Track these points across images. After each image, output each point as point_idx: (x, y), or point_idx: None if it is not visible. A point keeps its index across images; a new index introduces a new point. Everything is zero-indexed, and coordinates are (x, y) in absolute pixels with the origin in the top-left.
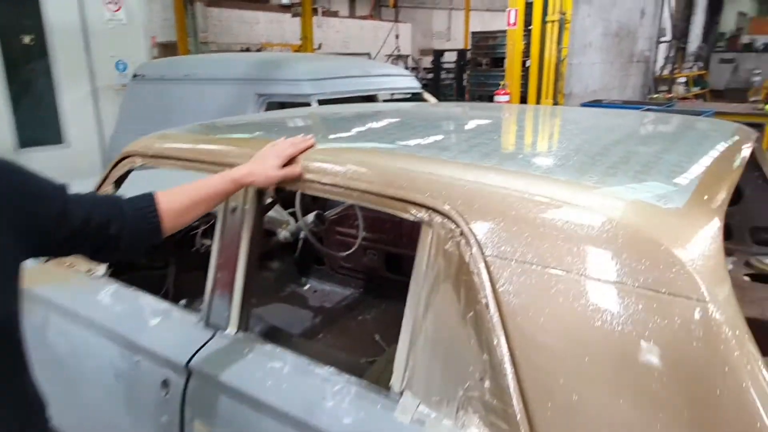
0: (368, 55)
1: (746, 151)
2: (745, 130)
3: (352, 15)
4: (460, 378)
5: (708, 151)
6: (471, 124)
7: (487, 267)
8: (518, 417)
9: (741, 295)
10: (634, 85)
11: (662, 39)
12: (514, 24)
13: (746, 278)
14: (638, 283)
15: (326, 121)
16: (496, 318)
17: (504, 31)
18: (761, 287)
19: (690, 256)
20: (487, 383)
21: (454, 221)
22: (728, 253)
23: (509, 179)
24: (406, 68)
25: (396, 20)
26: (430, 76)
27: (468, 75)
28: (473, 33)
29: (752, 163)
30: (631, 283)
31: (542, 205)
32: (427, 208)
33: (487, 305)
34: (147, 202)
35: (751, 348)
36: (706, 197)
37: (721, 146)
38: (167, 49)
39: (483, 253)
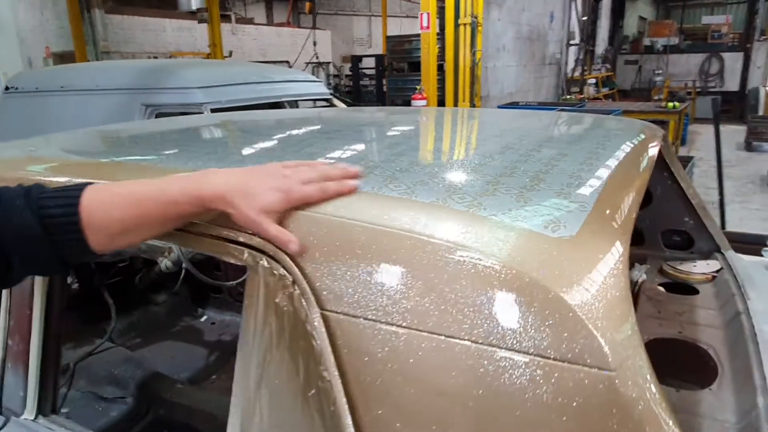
0: (287, 63)
1: (653, 151)
2: (652, 127)
3: (269, 22)
4: None
5: (611, 154)
6: (330, 131)
7: (329, 328)
8: None
9: (657, 311)
10: (548, 86)
11: (571, 42)
12: (427, 27)
13: (661, 288)
14: (522, 346)
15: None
16: (341, 398)
17: (419, 35)
18: (677, 300)
19: (585, 304)
20: None
21: (283, 265)
22: (641, 259)
23: (357, 203)
24: (328, 75)
25: (314, 27)
26: (352, 82)
27: (386, 80)
28: (389, 37)
29: (660, 162)
30: (518, 346)
31: (396, 240)
32: (250, 247)
33: (330, 381)
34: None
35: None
36: (607, 215)
37: (627, 147)
38: (64, 59)
39: (323, 309)
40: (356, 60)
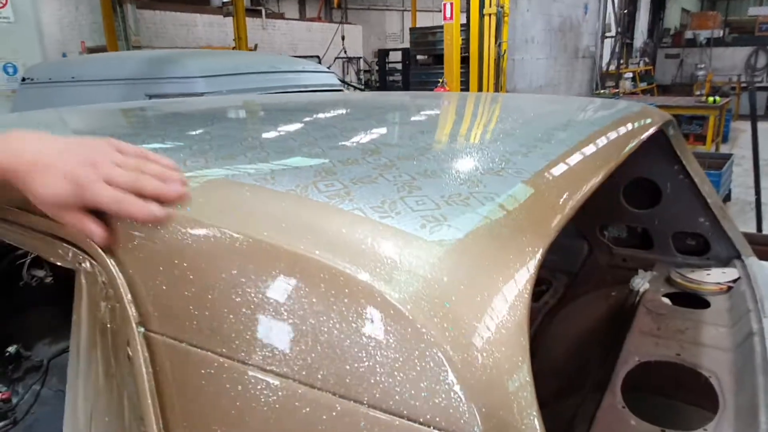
0: (317, 57)
1: (639, 133)
2: (653, 111)
3: (301, 17)
4: None
5: (568, 136)
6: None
7: (152, 356)
8: None
9: (656, 327)
10: (581, 80)
11: (607, 34)
12: (451, 18)
13: (666, 300)
14: (362, 397)
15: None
16: None
17: (443, 27)
18: (682, 313)
19: (457, 346)
20: None
21: (105, 269)
22: (648, 265)
23: (199, 192)
24: (358, 71)
25: (343, 21)
26: (379, 76)
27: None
28: (412, 29)
29: (671, 155)
30: (358, 397)
31: (229, 244)
32: (70, 244)
33: (149, 424)
34: None
35: None
36: (520, 210)
37: (593, 128)
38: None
39: (147, 330)
40: (383, 54)
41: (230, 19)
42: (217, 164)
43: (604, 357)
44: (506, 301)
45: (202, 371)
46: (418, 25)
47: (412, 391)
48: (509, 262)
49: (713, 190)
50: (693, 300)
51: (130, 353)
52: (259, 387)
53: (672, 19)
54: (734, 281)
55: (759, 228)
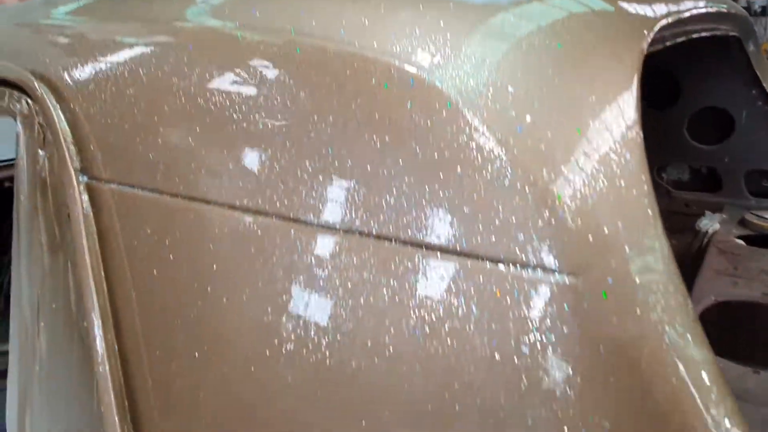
0: None
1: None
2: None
3: None
4: None
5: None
6: None
7: (94, 209)
8: None
9: (732, 267)
10: None
11: None
12: None
13: (740, 241)
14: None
15: None
16: (97, 327)
17: None
18: (762, 254)
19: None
20: None
21: (42, 108)
22: (715, 208)
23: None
24: None
25: None
26: None
27: None
28: None
29: (749, 77)
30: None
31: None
32: (6, 84)
33: (88, 296)
34: None
35: None
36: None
37: None
38: None
39: (91, 177)
40: None
41: None
42: None
43: None
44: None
45: (162, 221)
46: None
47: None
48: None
49: None
50: None
51: (72, 214)
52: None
53: None
54: None
55: None
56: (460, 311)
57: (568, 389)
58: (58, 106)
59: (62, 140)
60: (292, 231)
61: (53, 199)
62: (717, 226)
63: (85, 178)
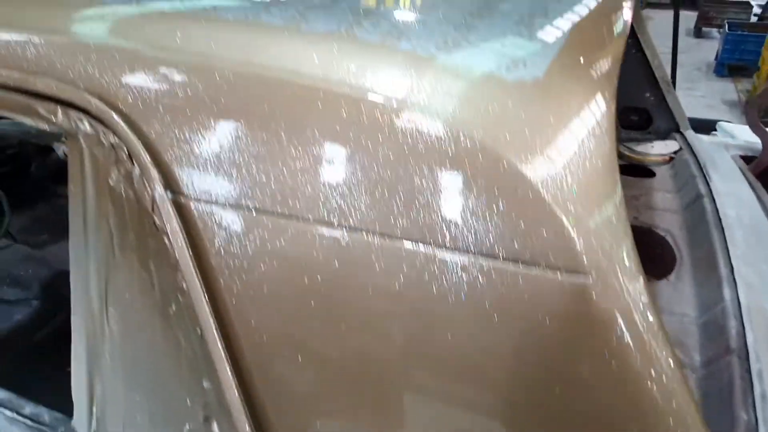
0: None
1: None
2: None
3: None
4: (175, 419)
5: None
6: None
7: (185, 219)
8: None
9: None
10: None
11: None
12: None
13: None
14: (457, 243)
15: None
16: (207, 314)
17: None
18: (632, 183)
19: (552, 180)
20: (215, 427)
21: (114, 130)
22: None
23: (217, 35)
24: None
25: None
26: None
27: None
28: None
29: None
30: (452, 243)
31: (269, 86)
32: (63, 103)
33: (191, 293)
34: None
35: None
36: (581, 53)
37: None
38: None
39: (175, 193)
40: None
41: None
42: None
43: None
44: (594, 133)
45: (249, 233)
46: None
47: (516, 229)
48: (589, 96)
49: (662, 63)
50: (640, 171)
51: (158, 222)
52: (318, 241)
53: None
54: (675, 152)
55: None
56: None
57: None
58: (131, 129)
59: (142, 157)
60: (376, 241)
61: (129, 211)
62: None
63: (170, 195)
